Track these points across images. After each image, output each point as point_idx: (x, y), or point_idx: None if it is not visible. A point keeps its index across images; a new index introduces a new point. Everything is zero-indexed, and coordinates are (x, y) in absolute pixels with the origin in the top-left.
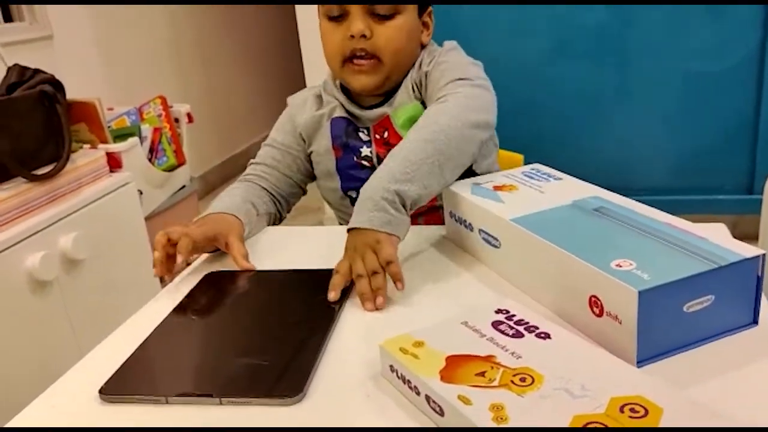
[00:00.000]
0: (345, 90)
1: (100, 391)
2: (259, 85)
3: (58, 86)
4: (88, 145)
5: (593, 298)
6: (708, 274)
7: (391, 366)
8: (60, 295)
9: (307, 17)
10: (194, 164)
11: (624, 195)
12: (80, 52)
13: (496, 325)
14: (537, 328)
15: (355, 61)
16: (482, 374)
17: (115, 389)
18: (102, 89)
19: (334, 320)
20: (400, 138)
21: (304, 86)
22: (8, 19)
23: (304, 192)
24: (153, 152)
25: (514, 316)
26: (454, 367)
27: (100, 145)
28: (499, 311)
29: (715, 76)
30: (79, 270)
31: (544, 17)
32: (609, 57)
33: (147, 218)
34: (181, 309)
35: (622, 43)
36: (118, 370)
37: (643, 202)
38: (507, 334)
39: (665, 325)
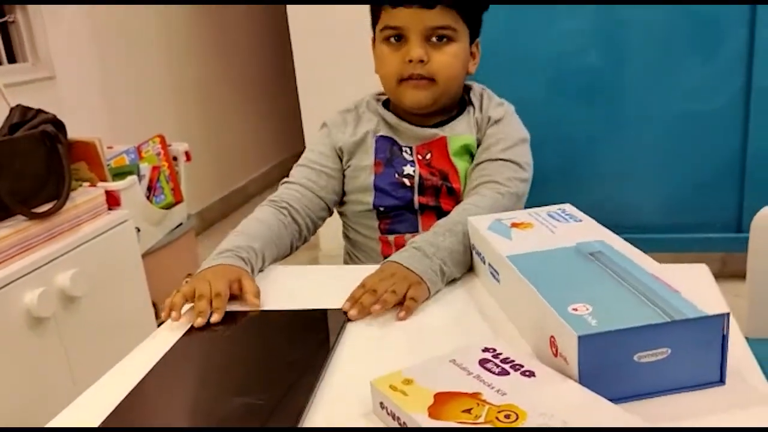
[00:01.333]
0: (388, 109)
1: None
2: (256, 124)
3: (59, 126)
4: (88, 183)
5: (552, 338)
6: (661, 327)
7: (381, 403)
8: (57, 331)
9: (304, 56)
10: (192, 201)
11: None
12: (81, 93)
13: (483, 363)
14: (522, 366)
15: (412, 80)
16: (469, 411)
17: None
18: (102, 128)
19: (328, 359)
20: (447, 161)
21: (300, 124)
22: (12, 60)
23: (330, 214)
24: (151, 190)
25: (500, 354)
26: (441, 403)
27: (99, 183)
28: (486, 350)
29: (702, 116)
30: (77, 307)
31: (540, 59)
32: (600, 98)
33: (144, 255)
34: (176, 349)
35: (612, 84)
36: (113, 411)
37: (633, 241)
38: (493, 372)
39: (612, 372)
